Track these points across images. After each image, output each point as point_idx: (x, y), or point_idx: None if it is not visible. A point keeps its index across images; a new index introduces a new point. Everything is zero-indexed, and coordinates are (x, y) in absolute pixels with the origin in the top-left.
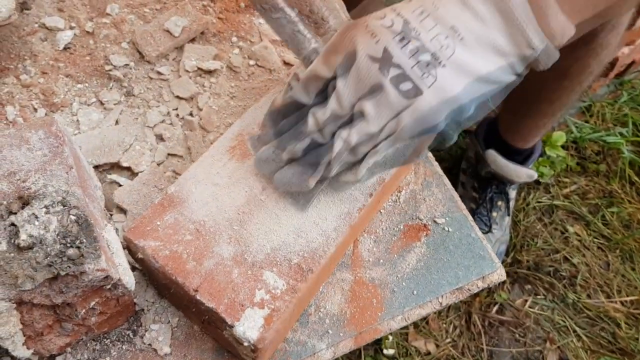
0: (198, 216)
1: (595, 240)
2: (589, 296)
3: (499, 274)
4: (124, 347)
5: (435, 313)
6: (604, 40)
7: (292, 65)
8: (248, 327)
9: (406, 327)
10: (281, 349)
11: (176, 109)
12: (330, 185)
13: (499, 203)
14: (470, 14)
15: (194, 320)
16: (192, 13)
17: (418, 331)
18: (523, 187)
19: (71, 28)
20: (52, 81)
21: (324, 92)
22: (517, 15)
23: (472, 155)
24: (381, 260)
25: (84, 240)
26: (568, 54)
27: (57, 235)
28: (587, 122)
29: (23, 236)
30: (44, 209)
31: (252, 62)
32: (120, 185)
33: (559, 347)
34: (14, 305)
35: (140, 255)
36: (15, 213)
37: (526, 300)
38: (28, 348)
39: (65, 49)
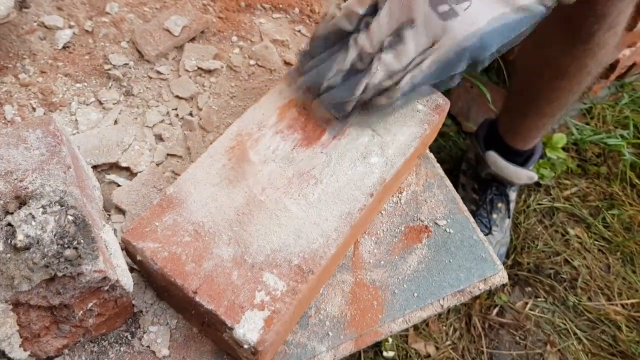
0: (197, 217)
1: (596, 242)
2: (589, 299)
3: (500, 276)
4: (122, 349)
5: (435, 315)
6: (601, 39)
7: (292, 65)
8: (248, 329)
9: (406, 329)
10: (281, 351)
11: (176, 108)
12: (365, 110)
13: (499, 205)
14: None
15: (193, 322)
16: (192, 12)
17: (418, 333)
18: (523, 188)
19: (70, 27)
20: (51, 80)
21: (365, 20)
22: None
23: (472, 156)
24: (382, 262)
25: (82, 240)
26: (566, 52)
27: (55, 235)
28: (587, 124)
29: (20, 236)
30: (41, 209)
31: (252, 62)
32: (119, 186)
33: (559, 349)
34: (11, 306)
35: (138, 257)
36: (12, 213)
37: (526, 303)
38: (25, 350)
39: (64, 48)
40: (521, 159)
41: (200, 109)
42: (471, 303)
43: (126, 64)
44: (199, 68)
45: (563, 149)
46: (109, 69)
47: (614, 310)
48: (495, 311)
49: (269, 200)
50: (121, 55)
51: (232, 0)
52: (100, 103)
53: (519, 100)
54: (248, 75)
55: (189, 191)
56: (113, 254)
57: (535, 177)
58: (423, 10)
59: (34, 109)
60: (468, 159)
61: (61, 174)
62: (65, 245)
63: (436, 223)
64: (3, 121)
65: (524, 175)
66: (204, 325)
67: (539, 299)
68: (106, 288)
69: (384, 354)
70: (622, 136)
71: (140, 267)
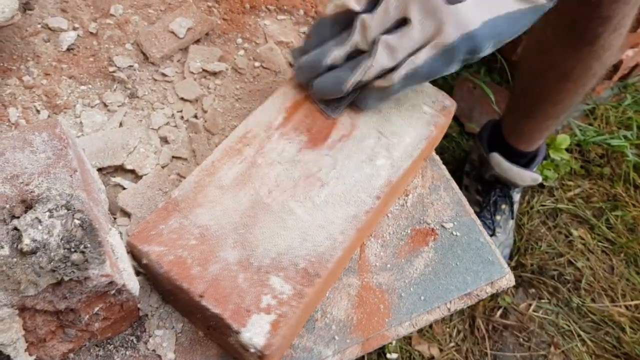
0: (203, 220)
1: (600, 243)
2: (593, 300)
3: (507, 279)
4: (127, 353)
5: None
6: (606, 42)
7: None
8: (254, 333)
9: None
10: (287, 355)
11: (181, 111)
12: (364, 92)
13: (503, 206)
14: None
15: (199, 326)
16: (197, 14)
17: (421, 335)
18: (527, 190)
19: (74, 29)
20: (55, 83)
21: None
22: None
23: (476, 158)
24: (388, 265)
25: (89, 245)
26: (571, 55)
27: (61, 239)
28: (591, 125)
29: (26, 241)
30: (48, 213)
31: (257, 64)
32: (124, 188)
33: (563, 351)
34: (17, 311)
35: (144, 261)
36: (18, 217)
37: (530, 305)
38: (30, 354)
39: (68, 50)
40: (525, 160)
41: (206, 111)
42: (475, 305)
43: (131, 66)
44: (203, 70)
45: (566, 150)
46: (114, 71)
47: (617, 312)
48: (499, 313)
49: (274, 203)
50: (126, 57)
51: (236, 2)
52: (105, 105)
53: (523, 102)
54: (253, 77)
55: (195, 194)
56: (119, 258)
57: (539, 179)
58: None
59: (38, 112)
60: (471, 160)
61: (67, 178)
62: (72, 250)
63: (443, 226)
64: (7, 124)
65: (528, 176)
66: (210, 329)
67: (543, 301)
68: (112, 292)
69: (388, 355)
70: (625, 137)
71: (145, 271)
